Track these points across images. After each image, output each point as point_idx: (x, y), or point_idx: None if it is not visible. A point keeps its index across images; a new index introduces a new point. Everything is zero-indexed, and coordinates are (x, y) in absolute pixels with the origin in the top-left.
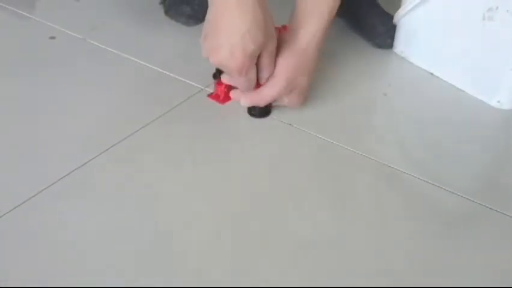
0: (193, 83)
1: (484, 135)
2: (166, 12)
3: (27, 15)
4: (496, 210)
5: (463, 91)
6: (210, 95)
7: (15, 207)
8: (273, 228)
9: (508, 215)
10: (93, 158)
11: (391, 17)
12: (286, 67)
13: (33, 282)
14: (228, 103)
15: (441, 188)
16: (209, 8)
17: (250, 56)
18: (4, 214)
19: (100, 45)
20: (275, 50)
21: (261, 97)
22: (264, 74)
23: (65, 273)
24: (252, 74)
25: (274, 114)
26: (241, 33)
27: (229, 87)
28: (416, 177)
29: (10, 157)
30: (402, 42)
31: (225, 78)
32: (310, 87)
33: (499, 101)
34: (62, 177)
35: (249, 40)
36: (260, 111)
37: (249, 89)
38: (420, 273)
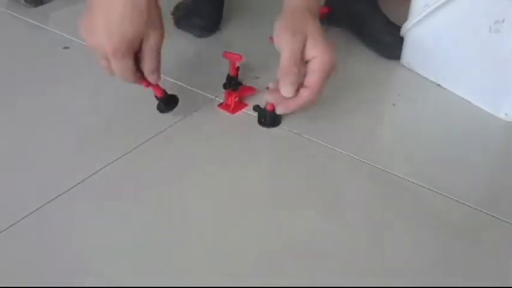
0: (203, 93)
1: (492, 148)
2: (177, 24)
3: (42, 25)
4: (502, 220)
5: (471, 103)
6: (220, 105)
7: (28, 214)
8: (280, 237)
9: None
10: (107, 165)
11: (398, 27)
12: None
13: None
14: (238, 113)
15: (450, 198)
16: None
17: (126, 42)
18: (16, 222)
19: None
20: (158, 45)
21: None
22: (145, 65)
23: (76, 276)
24: (127, 62)
25: (284, 124)
26: (121, 17)
27: (240, 97)
28: (424, 186)
29: (21, 165)
30: (409, 54)
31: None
32: (321, 97)
33: (506, 114)
34: (79, 182)
35: (127, 27)
36: (270, 121)
37: (125, 77)
38: (426, 282)
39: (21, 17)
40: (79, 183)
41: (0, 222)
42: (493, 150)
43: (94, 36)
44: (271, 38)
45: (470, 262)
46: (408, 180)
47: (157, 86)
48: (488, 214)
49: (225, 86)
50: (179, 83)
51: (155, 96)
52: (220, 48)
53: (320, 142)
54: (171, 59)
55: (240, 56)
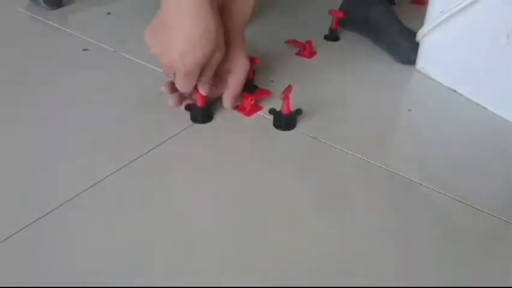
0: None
1: (507, 154)
2: None
3: (62, 27)
4: None
5: (486, 109)
6: (237, 107)
7: (39, 218)
8: (295, 241)
9: None
10: (123, 166)
11: (413, 33)
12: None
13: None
14: (254, 115)
15: (465, 203)
16: (162, 7)
17: (198, 63)
18: (25, 226)
19: (130, 57)
20: (217, 62)
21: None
22: (202, 78)
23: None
24: (193, 81)
25: (299, 127)
26: (194, 39)
27: (256, 100)
28: (439, 192)
29: (34, 165)
30: (424, 60)
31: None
32: (336, 101)
33: None
34: (94, 184)
35: (198, 49)
36: (285, 124)
37: (186, 91)
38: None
39: (40, 18)
40: (92, 185)
41: (12, 225)
42: (509, 156)
43: (169, 57)
44: (291, 41)
45: (486, 268)
46: (424, 185)
47: (201, 96)
48: (504, 220)
49: None
50: None
51: (195, 105)
52: None
53: (335, 145)
54: None
55: (257, 59)
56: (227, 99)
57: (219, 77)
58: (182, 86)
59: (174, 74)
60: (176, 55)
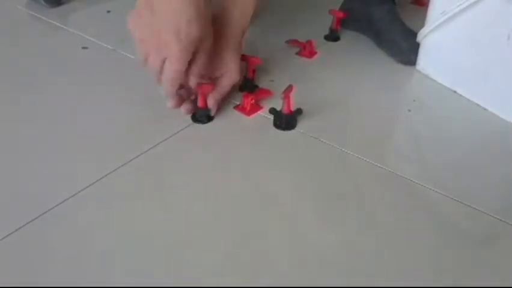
0: None
1: (507, 154)
2: None
3: (61, 26)
4: None
5: (487, 110)
6: (236, 107)
7: (39, 216)
8: (294, 240)
9: None
10: (122, 165)
11: (414, 34)
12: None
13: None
14: (254, 115)
15: (466, 204)
16: None
17: (194, 39)
18: (26, 224)
19: (130, 56)
20: (210, 48)
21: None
22: (194, 65)
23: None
24: (185, 64)
25: (299, 127)
26: (187, 19)
27: (256, 100)
28: (439, 192)
29: (36, 164)
30: (425, 60)
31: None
32: (336, 101)
33: None
34: (93, 183)
35: (194, 27)
36: (286, 124)
37: (172, 80)
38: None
39: (40, 16)
40: (92, 184)
41: (12, 223)
42: (509, 157)
43: (161, 36)
44: (291, 41)
45: (485, 268)
46: (424, 185)
47: (202, 96)
48: (504, 221)
49: (241, 88)
50: None
51: (195, 106)
52: None
53: (335, 145)
54: None
55: (258, 59)
56: (210, 101)
57: (212, 81)
58: (177, 65)
59: (163, 60)
60: (170, 34)
